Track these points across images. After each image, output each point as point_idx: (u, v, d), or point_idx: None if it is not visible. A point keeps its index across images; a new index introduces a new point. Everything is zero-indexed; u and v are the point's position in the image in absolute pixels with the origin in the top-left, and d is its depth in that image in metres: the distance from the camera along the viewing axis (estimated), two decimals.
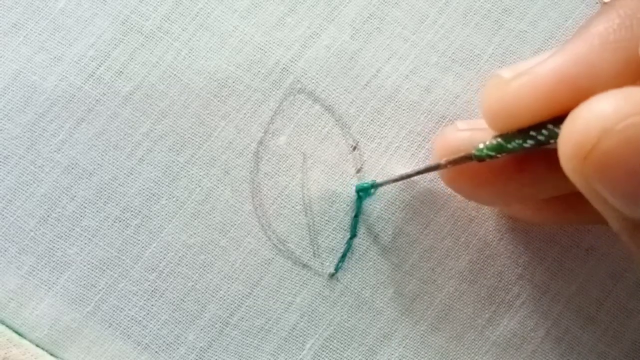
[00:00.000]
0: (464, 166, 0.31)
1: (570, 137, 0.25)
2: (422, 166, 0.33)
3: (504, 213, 0.36)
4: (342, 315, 0.35)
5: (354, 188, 0.35)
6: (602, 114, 0.24)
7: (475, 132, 0.31)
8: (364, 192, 0.35)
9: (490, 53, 0.36)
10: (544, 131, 0.27)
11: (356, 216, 0.35)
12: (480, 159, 0.29)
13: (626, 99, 0.24)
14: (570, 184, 0.28)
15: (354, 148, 0.36)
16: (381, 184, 0.35)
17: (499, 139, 0.29)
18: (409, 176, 0.34)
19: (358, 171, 0.35)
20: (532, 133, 0.27)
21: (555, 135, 0.26)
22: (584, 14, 0.36)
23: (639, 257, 0.27)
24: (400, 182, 0.35)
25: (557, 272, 0.35)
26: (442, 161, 0.31)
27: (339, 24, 0.36)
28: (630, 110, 0.23)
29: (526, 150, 0.28)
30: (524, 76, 0.28)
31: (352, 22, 0.36)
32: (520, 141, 0.28)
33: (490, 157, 0.29)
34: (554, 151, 0.27)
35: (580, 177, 0.25)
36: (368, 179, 0.35)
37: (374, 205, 0.35)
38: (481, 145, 0.29)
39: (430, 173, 0.34)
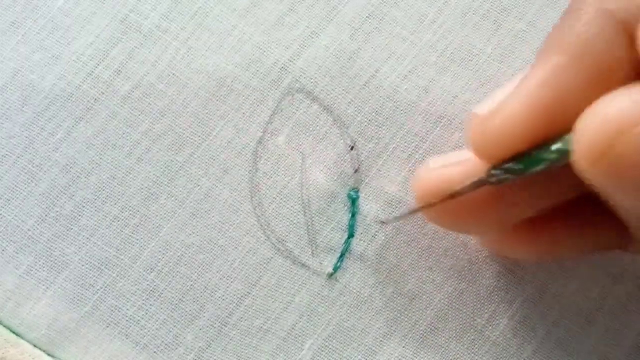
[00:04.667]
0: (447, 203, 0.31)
1: (583, 140, 0.24)
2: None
3: (497, 254, 0.35)
4: (341, 315, 0.35)
5: (349, 192, 0.35)
6: (614, 117, 0.23)
7: (448, 169, 0.31)
8: (354, 196, 0.35)
9: (489, 53, 0.36)
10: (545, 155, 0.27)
11: (353, 216, 0.35)
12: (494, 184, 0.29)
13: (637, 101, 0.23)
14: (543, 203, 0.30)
15: (352, 148, 0.36)
16: (384, 222, 0.35)
17: (494, 171, 0.28)
18: (405, 216, 0.34)
19: (356, 171, 0.36)
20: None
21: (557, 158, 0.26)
22: None
23: None
24: (396, 181, 0.35)
25: (556, 272, 0.35)
26: (459, 187, 0.30)
27: (338, 23, 0.36)
28: None
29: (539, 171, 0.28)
30: (497, 115, 0.27)
31: (351, 22, 0.36)
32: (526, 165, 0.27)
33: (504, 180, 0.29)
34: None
35: (594, 179, 0.25)
36: (365, 180, 0.35)
37: (372, 206, 0.35)
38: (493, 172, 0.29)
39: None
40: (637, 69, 0.25)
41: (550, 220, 0.32)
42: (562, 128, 0.26)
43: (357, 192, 0.35)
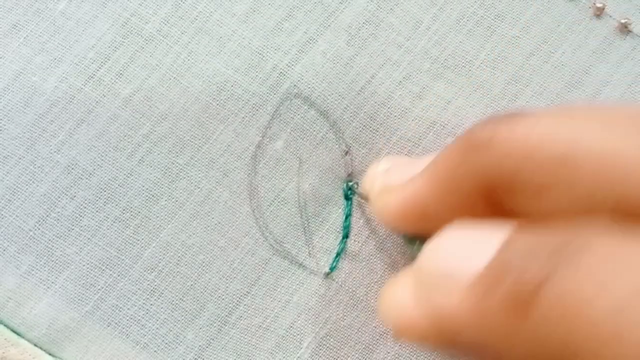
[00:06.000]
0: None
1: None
2: None
3: None
4: (338, 314, 0.35)
5: (345, 183, 0.36)
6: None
7: (379, 175, 0.33)
8: (350, 192, 0.36)
9: (482, 59, 0.37)
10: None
11: (347, 218, 0.36)
12: None
13: None
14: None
15: (346, 153, 0.36)
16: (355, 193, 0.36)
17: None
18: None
19: (349, 176, 0.36)
20: None
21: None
22: (577, 18, 0.37)
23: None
24: None
25: None
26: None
27: (335, 29, 0.37)
28: None
29: None
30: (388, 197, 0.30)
31: (347, 28, 0.37)
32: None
33: None
34: None
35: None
36: (358, 184, 0.36)
37: (365, 207, 0.36)
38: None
39: None
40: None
41: None
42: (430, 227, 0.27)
43: (354, 184, 0.36)
